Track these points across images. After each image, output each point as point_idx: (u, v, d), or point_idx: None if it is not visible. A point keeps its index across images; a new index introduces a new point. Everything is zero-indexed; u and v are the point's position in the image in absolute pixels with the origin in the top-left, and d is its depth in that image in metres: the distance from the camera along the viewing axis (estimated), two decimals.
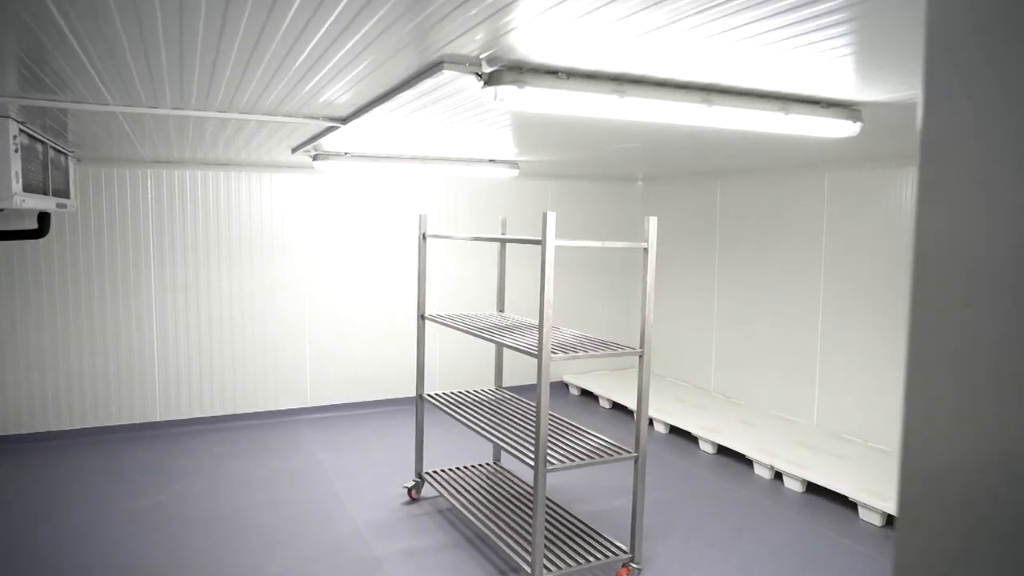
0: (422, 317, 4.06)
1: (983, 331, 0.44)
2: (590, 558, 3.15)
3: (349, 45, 1.76)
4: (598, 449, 3.14)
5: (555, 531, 3.44)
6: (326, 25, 1.60)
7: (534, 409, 3.82)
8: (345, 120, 2.98)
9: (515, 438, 3.27)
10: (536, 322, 3.87)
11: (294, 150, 4.25)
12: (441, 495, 4.03)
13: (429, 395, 4.08)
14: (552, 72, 1.96)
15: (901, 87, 2.19)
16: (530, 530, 3.41)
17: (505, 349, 5.56)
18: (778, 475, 4.48)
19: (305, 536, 3.64)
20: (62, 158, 4.42)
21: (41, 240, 4.95)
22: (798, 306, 5.25)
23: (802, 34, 1.65)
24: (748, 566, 3.37)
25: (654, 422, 5.52)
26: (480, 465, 4.36)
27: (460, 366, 6.36)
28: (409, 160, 4.81)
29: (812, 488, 4.30)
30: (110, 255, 5.17)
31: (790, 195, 5.30)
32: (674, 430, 5.47)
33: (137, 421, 5.34)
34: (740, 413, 5.46)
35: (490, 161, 4.99)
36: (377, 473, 4.54)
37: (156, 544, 3.53)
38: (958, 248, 0.45)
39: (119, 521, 3.79)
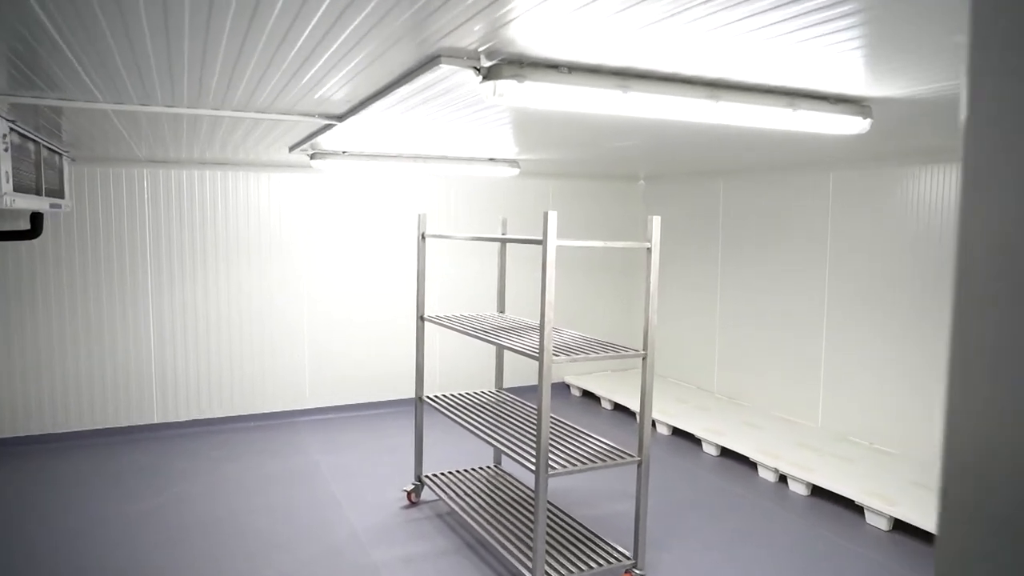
0: (421, 318, 4.00)
1: None
2: (592, 564, 3.09)
3: (342, 38, 1.70)
4: (600, 453, 3.08)
5: (557, 536, 3.37)
6: (316, 16, 1.54)
7: (535, 411, 3.76)
8: (341, 117, 2.92)
9: (516, 442, 3.20)
10: (536, 322, 3.81)
11: (291, 149, 4.19)
12: (441, 499, 3.97)
13: (429, 397, 4.02)
14: (553, 66, 1.89)
15: (912, 82, 2.13)
16: (531, 535, 3.35)
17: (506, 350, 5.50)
18: (782, 478, 4.42)
19: (302, 541, 3.58)
20: (56, 158, 4.36)
21: (35, 241, 4.89)
22: (802, 306, 5.18)
23: (810, 26, 1.59)
24: (753, 571, 3.30)
25: (656, 424, 5.46)
26: (480, 468, 4.30)
27: (460, 367, 6.30)
28: (408, 159, 4.75)
29: (817, 491, 4.24)
30: (106, 256, 5.12)
31: (794, 194, 5.23)
32: (677, 432, 5.41)
33: (134, 423, 5.28)
34: (743, 415, 5.39)
35: (490, 160, 4.92)
36: (376, 476, 4.49)
37: (153, 548, 3.47)
38: (1002, 243, 0.44)
39: (116, 524, 3.73)
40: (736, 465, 4.73)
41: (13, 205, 3.22)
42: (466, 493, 3.89)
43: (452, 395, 4.11)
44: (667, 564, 3.37)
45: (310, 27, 1.62)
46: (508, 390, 6.45)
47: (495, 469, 4.31)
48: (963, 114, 0.47)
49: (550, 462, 2.92)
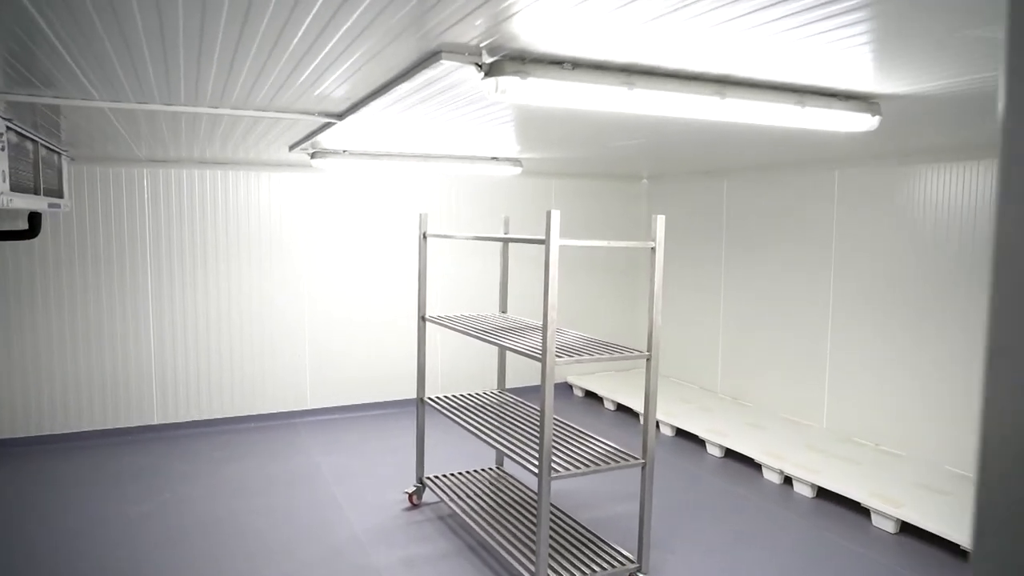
0: (423, 318, 3.97)
1: None
2: (596, 568, 3.05)
3: (339, 34, 1.66)
4: (604, 455, 3.04)
5: (559, 539, 3.34)
6: (312, 11, 1.50)
7: (538, 413, 3.72)
8: (341, 116, 2.88)
9: (519, 444, 3.17)
10: (539, 323, 3.77)
11: (291, 148, 4.15)
12: (442, 501, 3.93)
13: (430, 399, 3.98)
14: (557, 62, 1.85)
15: (921, 78, 2.08)
16: (534, 538, 3.31)
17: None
18: (787, 479, 4.37)
19: (303, 543, 3.54)
20: (55, 157, 4.33)
21: (33, 241, 4.86)
22: (806, 306, 5.14)
23: (817, 20, 1.55)
24: (758, 575, 3.26)
25: (660, 424, 5.42)
26: (482, 470, 4.27)
27: (462, 367, 6.26)
28: (409, 158, 4.71)
29: (822, 493, 4.19)
30: (106, 255, 5.09)
31: (798, 193, 5.18)
32: (680, 432, 5.37)
33: (134, 424, 5.25)
34: (747, 415, 5.35)
35: (492, 159, 4.88)
36: (377, 477, 4.45)
37: (153, 549, 3.44)
38: None
39: (116, 525, 3.70)
40: (740, 466, 4.69)
41: (11, 205, 3.18)
42: (468, 495, 3.85)
43: (454, 396, 4.07)
44: (671, 567, 3.33)
45: (306, 23, 1.58)
46: (510, 390, 6.41)
47: (497, 470, 4.27)
48: (1001, 106, 0.43)
49: (553, 465, 2.88)
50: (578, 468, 2.87)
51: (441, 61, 1.78)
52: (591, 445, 3.20)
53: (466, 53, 1.79)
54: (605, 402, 6.20)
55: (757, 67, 1.96)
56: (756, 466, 4.65)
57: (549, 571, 2.99)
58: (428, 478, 4.08)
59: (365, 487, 4.29)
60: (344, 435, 5.32)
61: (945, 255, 4.22)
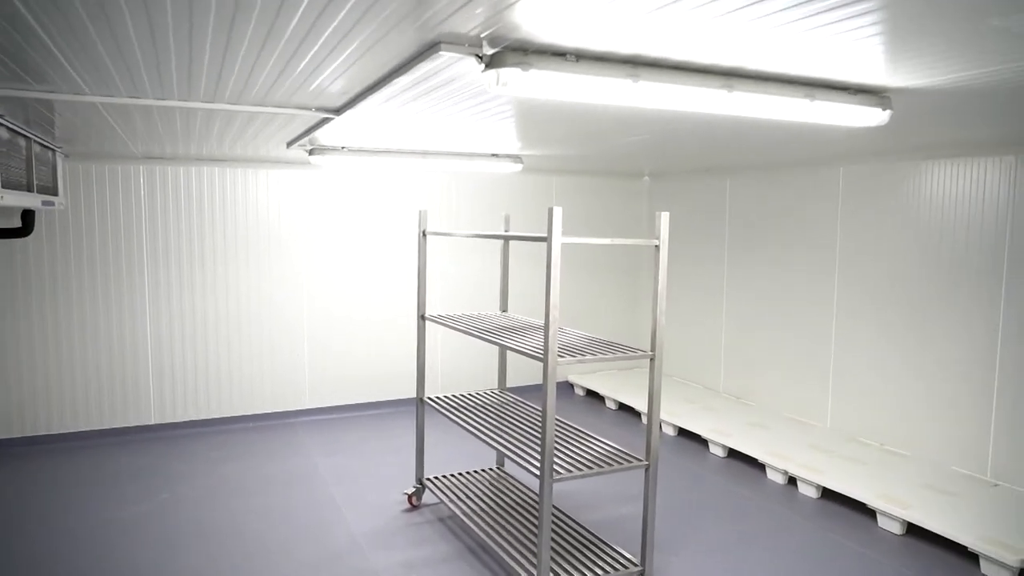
0: (422, 317, 3.91)
1: None
2: (598, 571, 2.99)
3: (335, 23, 1.60)
4: (607, 457, 2.99)
5: (561, 541, 3.28)
6: (305, 1, 1.44)
7: (539, 413, 3.67)
8: (339, 111, 2.83)
9: (520, 445, 3.11)
10: (540, 322, 3.71)
11: (289, 144, 4.10)
12: (442, 502, 3.88)
13: (430, 398, 3.93)
14: (560, 54, 1.79)
15: (934, 71, 2.02)
16: (535, 540, 3.26)
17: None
18: (791, 480, 4.32)
19: (300, 545, 3.49)
20: (49, 154, 4.27)
21: (27, 239, 4.80)
22: (810, 305, 5.08)
23: (827, 10, 1.49)
24: None
25: (662, 424, 5.37)
26: (483, 470, 4.21)
27: (462, 366, 6.21)
28: (408, 155, 4.65)
29: (827, 494, 4.14)
30: (102, 253, 5.03)
31: (803, 191, 5.13)
32: (683, 432, 5.31)
33: (131, 424, 5.20)
34: (751, 415, 5.30)
35: (492, 155, 4.82)
36: (376, 478, 4.40)
37: (150, 551, 3.38)
38: None
39: (113, 527, 3.65)
40: (744, 467, 4.63)
41: (2, 202, 3.13)
42: (468, 496, 3.80)
43: (454, 396, 4.02)
44: (675, 569, 3.27)
45: (299, 12, 1.52)
46: (511, 390, 6.36)
47: (498, 471, 4.22)
48: None
49: (555, 467, 2.83)
50: (580, 470, 2.81)
51: (440, 52, 1.72)
52: (593, 446, 3.14)
53: (466, 44, 1.73)
54: (607, 401, 6.14)
55: (766, 59, 1.90)
56: (760, 466, 4.59)
57: (550, 574, 2.94)
58: (428, 479, 4.03)
59: (364, 488, 4.24)
60: (343, 435, 5.27)
61: (950, 254, 4.17)
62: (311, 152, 4.35)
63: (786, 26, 1.60)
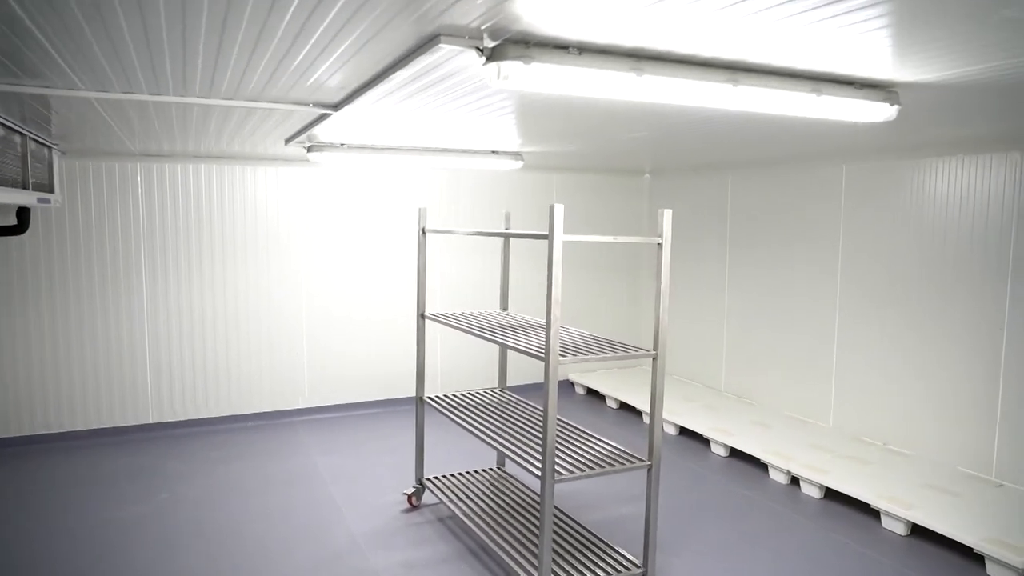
0: (422, 316, 3.87)
1: None
2: (600, 572, 2.96)
3: (331, 14, 1.56)
4: (609, 457, 2.95)
5: (562, 543, 3.25)
6: None
7: (540, 412, 3.63)
8: (337, 106, 2.79)
9: (521, 445, 3.08)
10: (541, 320, 3.68)
11: (287, 141, 4.05)
12: (442, 502, 3.85)
13: (430, 398, 3.89)
14: (562, 47, 1.75)
15: (943, 65, 1.98)
16: (536, 541, 3.23)
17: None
18: (794, 480, 4.29)
19: (299, 546, 3.46)
20: (45, 151, 4.23)
21: (23, 237, 4.76)
22: (812, 302, 5.04)
23: (830, 3, 1.45)
24: None
25: (663, 423, 5.33)
26: (483, 470, 4.18)
27: (462, 365, 6.17)
28: (408, 151, 4.61)
29: (830, 494, 4.11)
30: (99, 251, 4.99)
31: (805, 189, 5.09)
32: (684, 431, 5.28)
33: (129, 423, 5.16)
34: (752, 414, 5.26)
35: (493, 152, 4.78)
36: (376, 478, 4.36)
37: (147, 552, 3.35)
38: None
39: (110, 528, 3.61)
40: (746, 466, 4.60)
41: None
42: (468, 496, 3.76)
43: (454, 395, 3.98)
44: (677, 570, 3.24)
45: (294, 3, 1.48)
46: (511, 388, 6.32)
47: (498, 471, 4.19)
48: None
49: (557, 467, 2.80)
50: (582, 471, 2.78)
51: (440, 45, 1.68)
52: (595, 446, 3.11)
53: (466, 36, 1.69)
54: (607, 400, 6.11)
55: (772, 53, 1.86)
56: (762, 466, 4.56)
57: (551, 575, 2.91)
58: (428, 479, 4.00)
59: (363, 488, 4.21)
60: (342, 434, 5.24)
61: (955, 252, 4.13)
62: (309, 149, 4.32)
63: (791, 18, 1.56)
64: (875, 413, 4.62)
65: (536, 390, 6.43)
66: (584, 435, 3.26)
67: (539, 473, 2.73)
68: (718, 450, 4.83)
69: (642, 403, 5.60)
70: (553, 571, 2.96)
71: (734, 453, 4.81)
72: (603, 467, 2.82)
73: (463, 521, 3.50)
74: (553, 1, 1.44)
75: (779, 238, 5.31)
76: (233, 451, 4.84)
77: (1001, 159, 3.90)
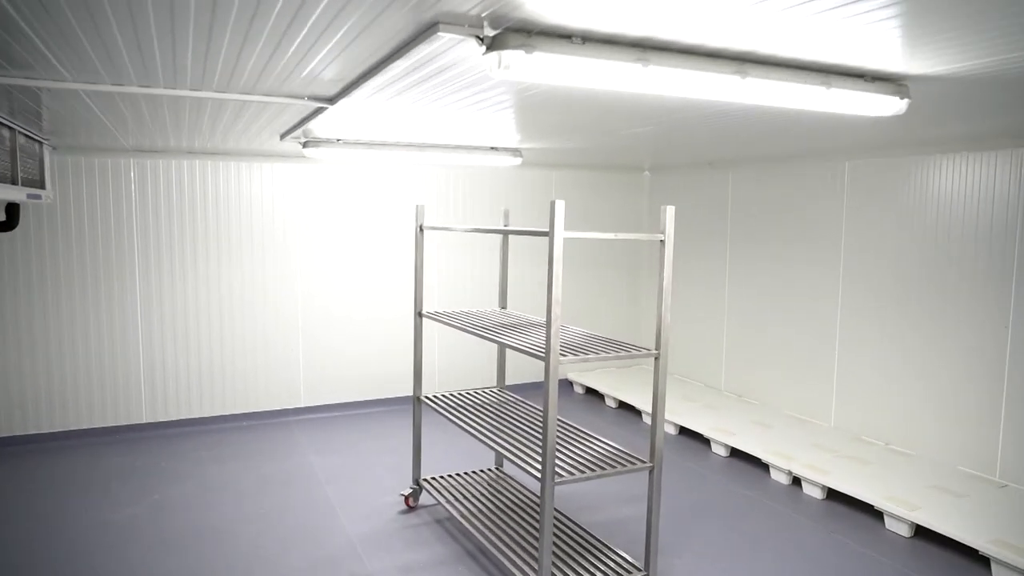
0: (419, 314, 3.81)
1: None
2: (600, 575, 2.91)
3: (324, 2, 1.50)
4: (610, 458, 2.89)
5: (562, 545, 3.19)
6: None
7: (539, 412, 3.58)
8: (333, 100, 2.72)
9: (520, 446, 3.02)
10: (540, 319, 3.62)
11: (283, 136, 3.99)
12: (440, 503, 3.79)
13: (427, 397, 3.83)
14: (565, 36, 1.69)
15: (952, 58, 1.93)
16: (535, 543, 3.17)
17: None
18: (796, 480, 4.24)
19: (294, 549, 3.40)
20: (36, 146, 4.16)
21: (13, 233, 4.68)
22: (814, 301, 4.99)
23: None
24: None
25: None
26: (481, 471, 4.12)
27: (460, 363, 6.11)
28: (406, 148, 4.54)
29: (832, 494, 4.06)
30: (91, 248, 4.91)
31: (807, 186, 5.03)
32: (684, 431, 5.23)
33: (121, 423, 5.10)
34: (753, 413, 5.21)
35: (491, 149, 4.72)
36: (372, 479, 4.30)
37: (141, 555, 3.28)
38: None
39: (101, 530, 3.54)
40: (746, 466, 4.55)
41: None
42: (466, 497, 3.70)
43: (452, 395, 3.92)
44: (678, 573, 3.19)
45: None
46: (510, 387, 6.27)
47: (496, 471, 4.13)
48: None
49: (557, 469, 2.74)
50: (583, 472, 2.72)
51: (439, 34, 1.62)
52: (595, 447, 3.05)
53: (466, 25, 1.63)
54: (606, 399, 6.05)
55: (781, 44, 1.80)
56: (763, 466, 4.51)
57: None
58: (425, 480, 3.94)
59: (360, 489, 4.15)
60: (338, 434, 5.18)
61: (959, 250, 4.08)
62: (305, 145, 4.25)
63: (801, 7, 1.50)
64: (877, 413, 4.57)
65: (535, 389, 6.37)
66: (584, 435, 3.21)
67: (539, 475, 2.67)
68: (718, 450, 4.78)
69: (641, 402, 5.55)
70: (553, 574, 2.90)
71: (735, 453, 4.76)
72: (604, 469, 2.77)
73: (461, 523, 3.44)
74: None
75: (780, 235, 5.26)
76: (227, 451, 4.77)
77: (1007, 155, 3.85)
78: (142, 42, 1.88)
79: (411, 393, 5.95)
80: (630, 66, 1.75)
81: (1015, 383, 3.83)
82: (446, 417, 3.51)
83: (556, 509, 3.62)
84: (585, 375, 6.44)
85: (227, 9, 1.56)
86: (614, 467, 2.79)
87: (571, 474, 2.70)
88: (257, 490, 4.11)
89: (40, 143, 4.26)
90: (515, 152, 4.83)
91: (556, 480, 2.65)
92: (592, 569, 2.97)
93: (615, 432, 5.26)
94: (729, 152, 4.82)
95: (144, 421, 5.15)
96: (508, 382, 6.30)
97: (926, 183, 4.25)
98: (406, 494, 3.87)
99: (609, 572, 2.94)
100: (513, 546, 3.15)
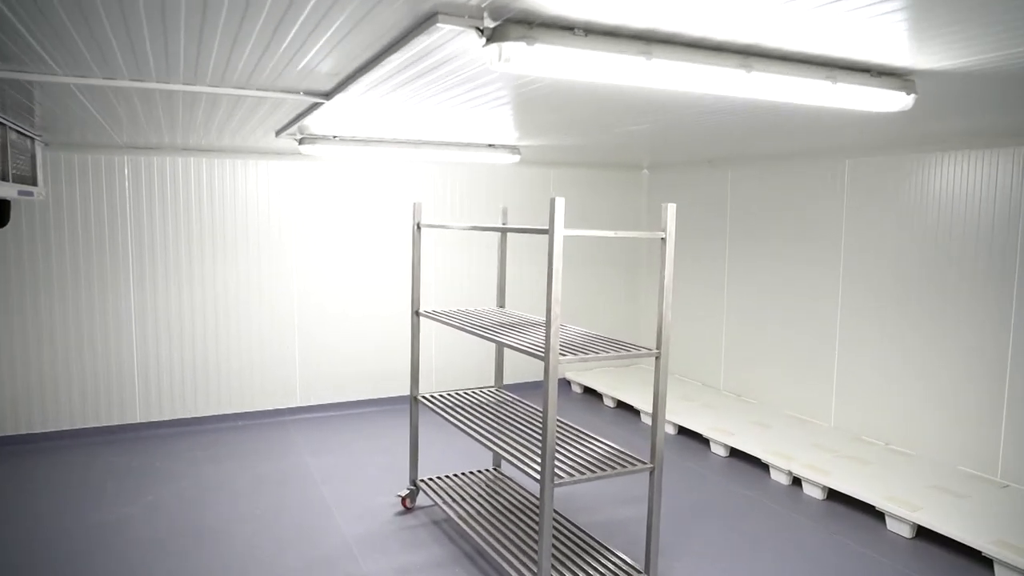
0: (416, 313, 3.77)
1: None
2: None
3: None
4: (609, 459, 2.86)
5: (560, 546, 3.16)
6: None
7: (538, 412, 3.54)
8: (329, 95, 2.68)
9: (519, 447, 2.98)
10: (538, 318, 3.58)
11: (278, 133, 3.94)
12: (437, 504, 3.75)
13: (424, 397, 3.79)
14: (567, 27, 1.65)
15: (960, 52, 1.89)
16: (534, 545, 3.13)
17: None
18: (796, 480, 4.21)
19: (290, 549, 3.35)
20: (27, 142, 4.10)
21: (4, 230, 4.62)
22: (814, 300, 4.96)
23: None
24: None
25: None
26: (479, 471, 4.08)
27: (458, 363, 6.07)
28: (403, 144, 4.50)
29: (833, 495, 4.03)
30: (84, 246, 4.86)
31: (807, 184, 5.00)
32: (683, 431, 5.20)
33: (115, 423, 5.04)
34: (752, 413, 5.18)
35: (489, 146, 4.68)
36: (369, 479, 4.26)
37: (135, 556, 3.24)
38: None
39: (95, 530, 3.50)
40: (746, 466, 4.52)
41: None
42: (464, 498, 3.67)
43: (449, 394, 3.88)
44: (679, 574, 3.16)
45: None
46: (507, 387, 6.23)
47: (494, 472, 4.09)
48: None
49: (556, 470, 2.70)
50: (583, 473, 2.68)
51: (438, 25, 1.58)
52: (594, 447, 3.01)
53: (465, 16, 1.58)
54: (604, 399, 6.02)
55: (787, 37, 1.76)
56: (763, 466, 4.48)
57: None
58: (422, 480, 3.90)
59: (356, 489, 4.11)
60: (335, 434, 5.13)
61: (960, 249, 4.05)
62: (301, 141, 4.20)
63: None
64: (877, 412, 4.55)
65: (533, 388, 6.33)
66: (583, 436, 3.17)
67: (538, 476, 2.64)
68: (718, 450, 4.75)
69: (640, 402, 5.51)
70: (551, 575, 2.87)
71: (734, 453, 4.73)
72: (604, 470, 2.73)
73: (458, 524, 3.40)
74: None
75: (780, 234, 5.23)
76: (222, 451, 4.73)
77: (1009, 154, 3.82)
78: (132, 33, 1.83)
79: (407, 393, 5.91)
80: (633, 59, 1.71)
81: (1016, 383, 3.81)
82: (443, 417, 3.47)
83: (555, 510, 3.58)
84: (583, 374, 6.41)
85: (219, 1, 1.52)
86: (614, 468, 2.76)
87: (571, 475, 2.66)
88: (252, 490, 4.07)
89: (32, 139, 4.20)
90: (513, 149, 4.79)
91: (556, 482, 2.61)
92: (591, 571, 2.93)
93: (614, 432, 5.22)
94: (728, 150, 4.78)
95: (139, 421, 5.10)
96: (506, 381, 6.26)
97: (926, 182, 4.22)
98: (403, 495, 3.83)
99: (609, 574, 2.91)
100: (511, 548, 3.11)
